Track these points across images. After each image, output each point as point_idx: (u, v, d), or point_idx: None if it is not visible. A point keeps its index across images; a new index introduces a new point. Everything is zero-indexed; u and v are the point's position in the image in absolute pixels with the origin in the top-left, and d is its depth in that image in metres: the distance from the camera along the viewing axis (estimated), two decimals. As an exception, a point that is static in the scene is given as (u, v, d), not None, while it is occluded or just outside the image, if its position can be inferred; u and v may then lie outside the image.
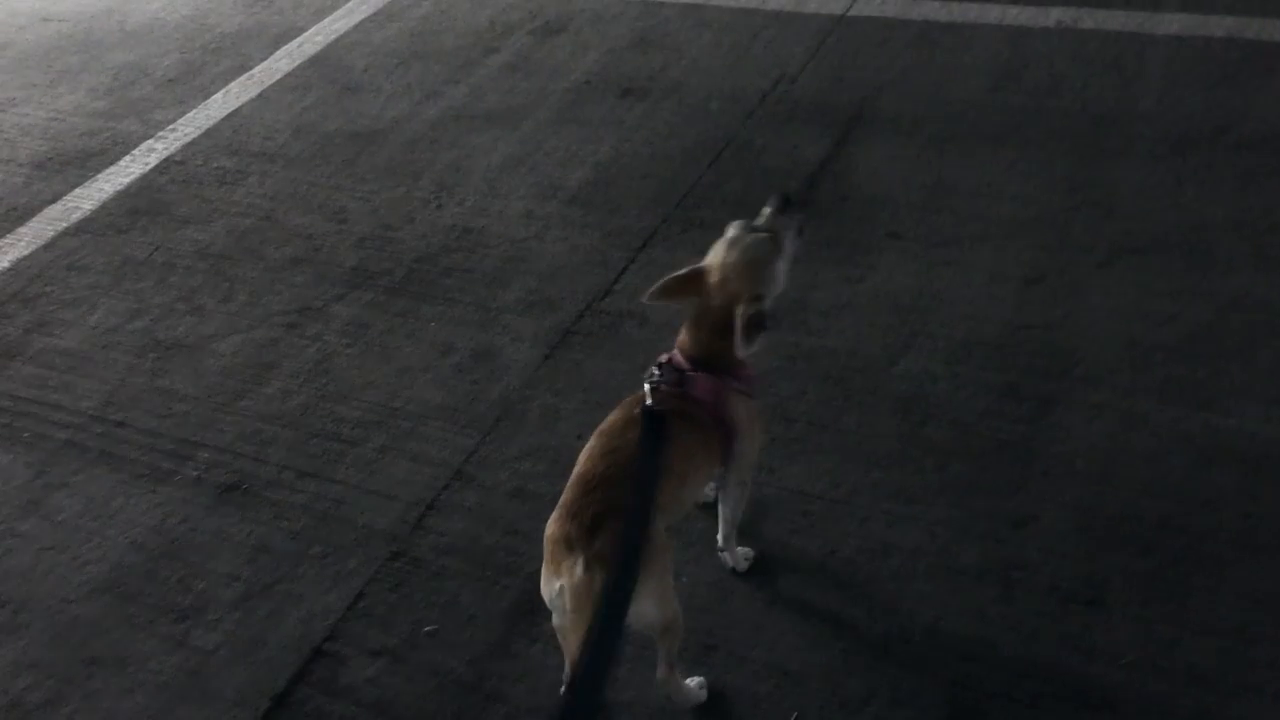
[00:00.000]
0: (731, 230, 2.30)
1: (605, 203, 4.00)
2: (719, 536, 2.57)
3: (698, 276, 2.27)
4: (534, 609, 2.52)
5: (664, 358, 2.31)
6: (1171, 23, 4.72)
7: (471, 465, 2.96)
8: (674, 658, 2.22)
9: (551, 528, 2.05)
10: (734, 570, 2.59)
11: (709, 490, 2.72)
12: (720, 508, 2.53)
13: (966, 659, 2.35)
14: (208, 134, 4.78)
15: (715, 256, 2.26)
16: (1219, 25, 4.66)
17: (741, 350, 2.16)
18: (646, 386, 2.22)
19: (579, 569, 1.94)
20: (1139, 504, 2.64)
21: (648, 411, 2.13)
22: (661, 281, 2.27)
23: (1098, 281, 3.35)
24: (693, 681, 2.32)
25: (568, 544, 1.99)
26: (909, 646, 2.39)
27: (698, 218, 3.84)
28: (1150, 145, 3.94)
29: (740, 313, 2.16)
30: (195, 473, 3.03)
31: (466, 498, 2.86)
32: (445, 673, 2.43)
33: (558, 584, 1.99)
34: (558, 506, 2.08)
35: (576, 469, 2.13)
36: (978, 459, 2.81)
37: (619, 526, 1.94)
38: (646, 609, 2.03)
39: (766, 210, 2.33)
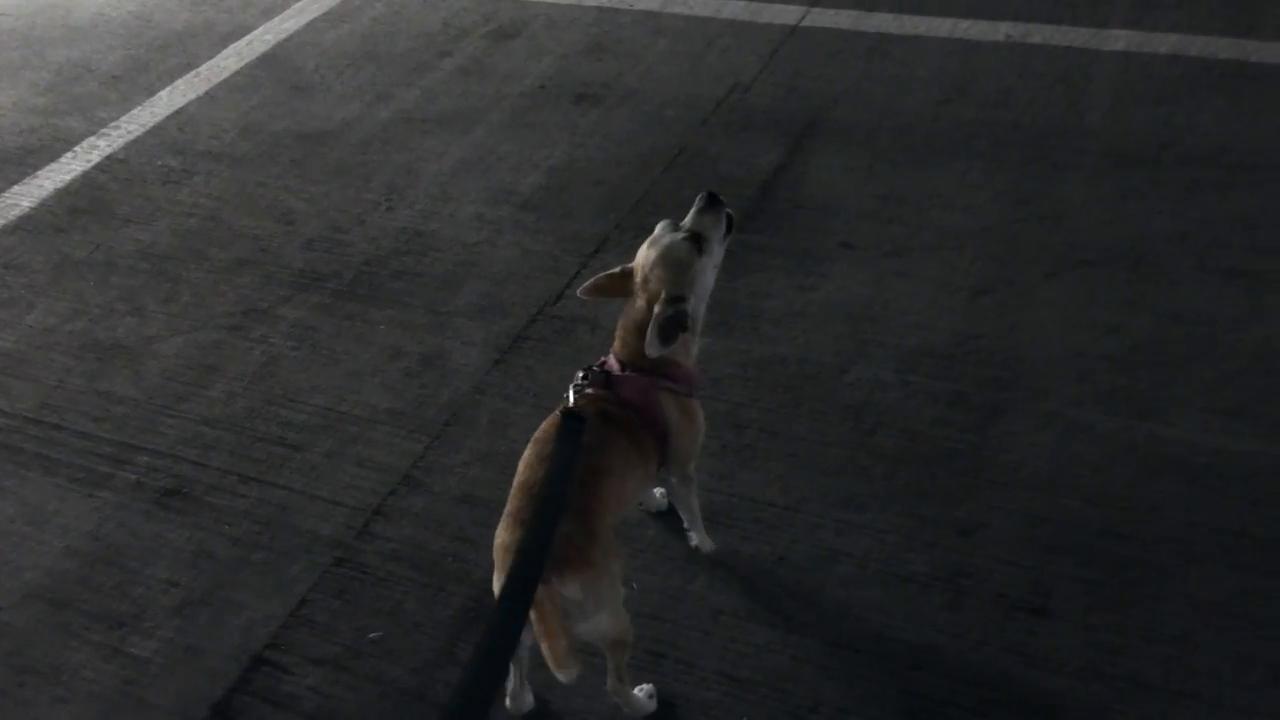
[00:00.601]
0: (657, 229, 2.30)
1: (558, 208, 3.98)
2: (686, 524, 2.61)
3: (627, 276, 2.28)
4: (481, 616, 2.49)
5: (598, 362, 2.31)
6: (1117, 39, 4.80)
7: (419, 470, 2.92)
8: (624, 668, 2.20)
9: (501, 536, 2.04)
10: (698, 548, 2.62)
11: (660, 496, 2.71)
12: (677, 506, 2.56)
13: (913, 666, 2.36)
14: (152, 132, 4.69)
15: (640, 257, 2.27)
16: (1163, 42, 4.74)
17: (652, 350, 2.16)
18: (570, 391, 2.21)
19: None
20: (1084, 513, 2.67)
21: (565, 414, 2.12)
22: (594, 278, 2.31)
23: (1045, 293, 3.39)
24: (642, 691, 2.31)
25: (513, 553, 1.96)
26: (857, 654, 2.39)
27: (651, 224, 3.73)
28: (1096, 159, 4.00)
29: (655, 313, 2.16)
30: (134, 477, 2.96)
31: (414, 503, 2.83)
32: (389, 681, 2.39)
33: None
34: (504, 515, 2.06)
35: (517, 478, 2.11)
36: (926, 467, 2.83)
37: (568, 529, 1.93)
38: (602, 617, 2.01)
39: (692, 210, 2.32)
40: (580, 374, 2.27)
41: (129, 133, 4.69)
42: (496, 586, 2.01)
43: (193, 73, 5.14)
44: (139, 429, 3.11)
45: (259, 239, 3.92)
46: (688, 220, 2.30)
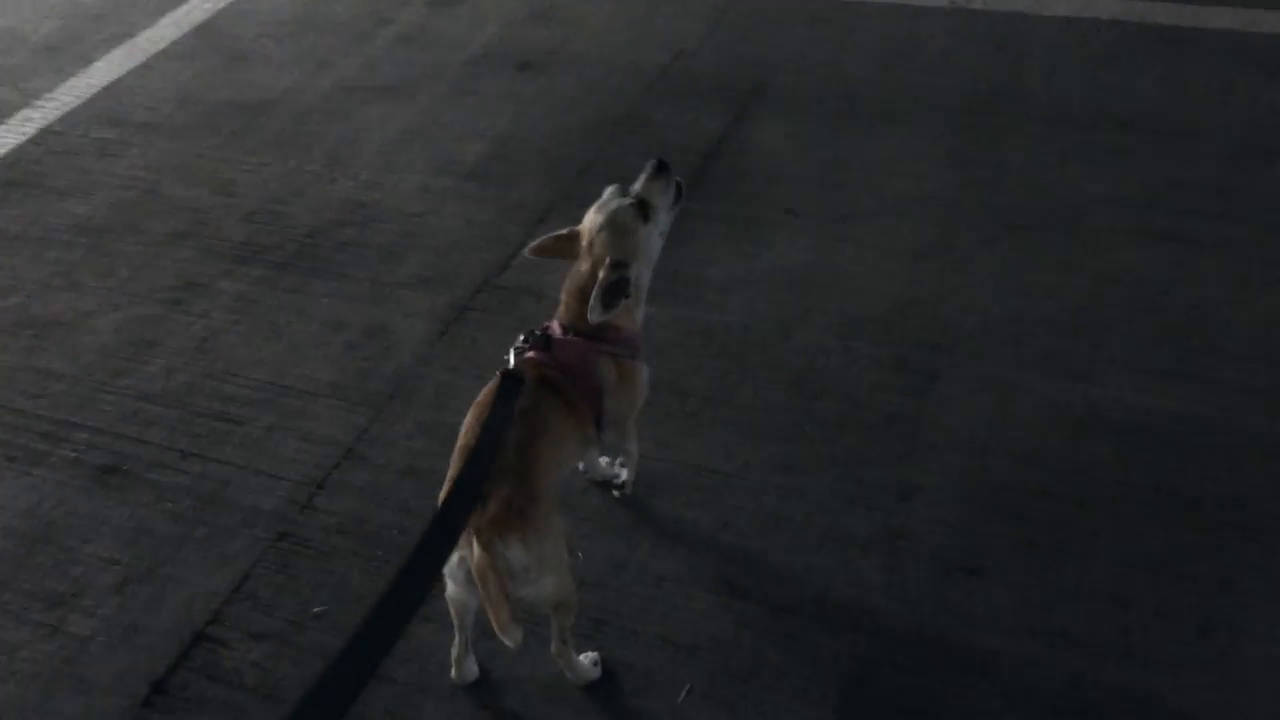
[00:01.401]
0: (605, 194, 2.31)
1: (502, 177, 3.96)
2: (617, 464, 2.70)
3: (574, 238, 2.30)
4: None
5: (543, 326, 2.31)
6: (1059, 5, 4.84)
7: (363, 444, 2.91)
8: (568, 632, 2.22)
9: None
10: (617, 486, 2.68)
11: (605, 465, 2.72)
12: (618, 459, 2.63)
13: (852, 628, 2.39)
14: (88, 103, 4.59)
15: (587, 220, 2.28)
16: (1105, 8, 4.79)
17: (594, 315, 2.17)
18: (511, 353, 2.22)
19: (475, 541, 1.93)
20: (1019, 473, 2.72)
21: (503, 375, 2.12)
22: (542, 239, 2.33)
23: (984, 256, 3.43)
24: (586, 658, 2.32)
25: None
26: (797, 617, 2.42)
27: (596, 192, 3.71)
28: (1034, 125, 4.04)
29: (600, 278, 2.17)
30: (72, 454, 2.92)
31: (357, 476, 2.82)
32: (332, 654, 2.38)
33: (456, 556, 1.97)
34: (446, 480, 2.06)
35: (459, 442, 2.12)
36: (867, 431, 2.86)
37: (506, 494, 1.94)
38: (546, 578, 2.02)
39: (641, 176, 2.33)
40: (521, 337, 2.27)
41: (63, 104, 4.59)
42: (453, 557, 1.99)
43: (129, 43, 5.04)
44: (76, 406, 3.07)
45: (198, 211, 3.87)
46: (636, 187, 2.31)
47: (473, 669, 2.33)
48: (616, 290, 2.18)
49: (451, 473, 2.06)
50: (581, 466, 2.72)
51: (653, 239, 2.31)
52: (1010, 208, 3.62)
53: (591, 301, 2.17)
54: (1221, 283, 3.25)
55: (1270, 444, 2.75)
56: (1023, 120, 4.08)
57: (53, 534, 2.71)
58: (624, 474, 2.68)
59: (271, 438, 2.94)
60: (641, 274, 2.30)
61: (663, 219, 2.34)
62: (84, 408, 3.06)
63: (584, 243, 2.27)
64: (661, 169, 2.33)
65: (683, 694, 2.29)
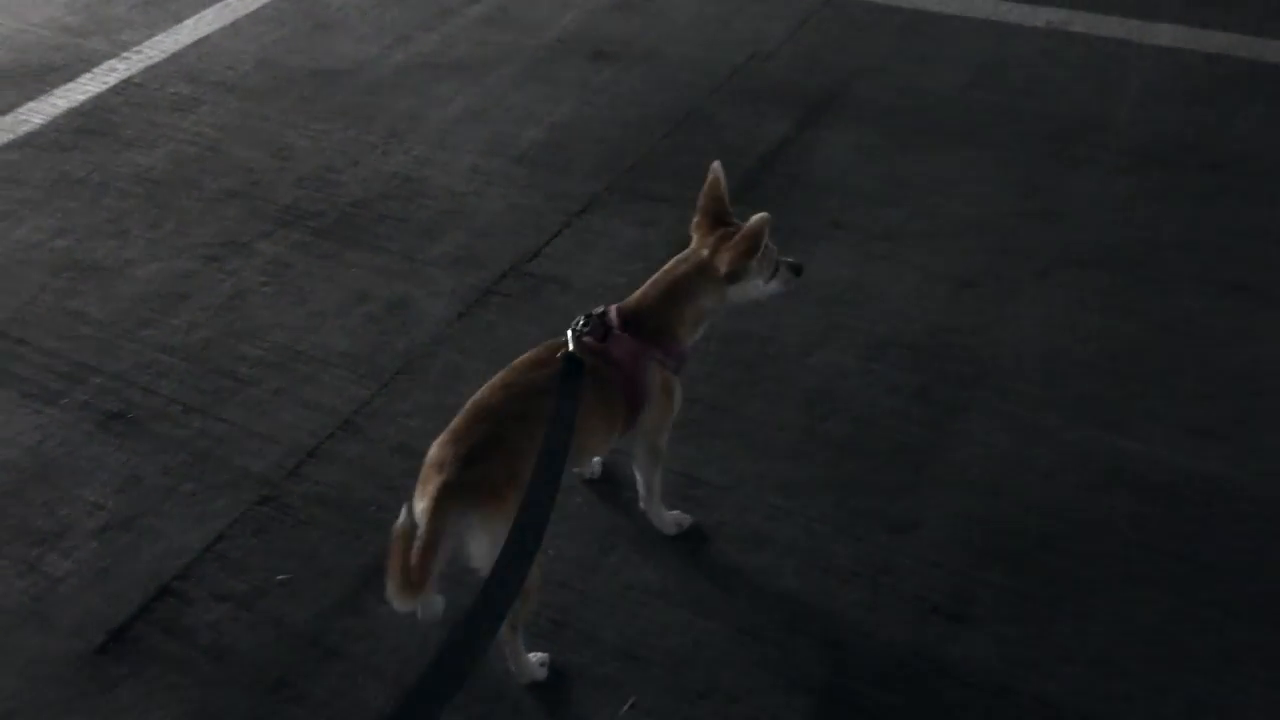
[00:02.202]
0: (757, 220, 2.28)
1: (552, 164, 3.91)
2: (640, 499, 2.53)
3: (724, 221, 2.30)
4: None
5: (599, 309, 2.26)
6: (1164, 34, 4.58)
7: (361, 416, 2.90)
8: (521, 620, 2.16)
9: (433, 450, 2.04)
10: (662, 532, 2.55)
11: (596, 464, 2.66)
12: (636, 473, 2.49)
13: (817, 661, 2.28)
14: (172, 59, 4.70)
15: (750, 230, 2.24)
16: (1211, 41, 4.52)
17: (725, 265, 2.20)
18: (570, 333, 2.17)
19: (433, 493, 1.93)
20: (1025, 520, 2.56)
21: (567, 357, 2.09)
22: (721, 191, 2.32)
23: (1032, 290, 3.26)
24: (535, 657, 2.27)
25: (439, 467, 1.98)
26: (761, 643, 2.32)
27: (642, 188, 3.76)
28: (1115, 157, 3.83)
29: (739, 238, 2.21)
30: (84, 397, 2.98)
31: (349, 448, 2.81)
32: (288, 624, 2.38)
33: (420, 505, 1.97)
34: (447, 429, 2.05)
35: (475, 395, 2.10)
36: (872, 459, 2.73)
37: (488, 466, 1.95)
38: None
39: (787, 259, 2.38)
40: (581, 319, 2.23)
41: (149, 58, 4.71)
42: (416, 501, 1.98)
43: (222, 3, 5.14)
44: (98, 350, 3.13)
45: (253, 172, 3.92)
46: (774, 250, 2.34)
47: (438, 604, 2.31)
48: (749, 253, 2.20)
49: (454, 422, 2.05)
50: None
51: (757, 286, 2.31)
52: (1070, 242, 3.43)
53: (733, 254, 2.20)
54: (1285, 342, 3.03)
55: (1306, 520, 2.54)
56: (1102, 151, 3.86)
57: (50, 473, 2.77)
58: (655, 522, 2.55)
59: (275, 401, 2.96)
60: (733, 298, 2.30)
61: (771, 288, 2.35)
62: (104, 353, 3.12)
63: (719, 233, 2.26)
64: (798, 273, 2.41)
65: (625, 706, 2.21)
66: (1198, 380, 2.93)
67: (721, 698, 2.22)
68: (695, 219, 2.32)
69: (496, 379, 2.14)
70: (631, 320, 2.23)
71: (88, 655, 2.33)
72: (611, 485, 2.67)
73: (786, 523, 2.58)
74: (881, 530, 2.55)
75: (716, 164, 2.32)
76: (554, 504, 1.81)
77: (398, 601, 1.87)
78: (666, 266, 2.30)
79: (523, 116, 4.20)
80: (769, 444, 2.79)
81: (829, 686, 2.24)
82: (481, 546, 1.98)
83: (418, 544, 1.89)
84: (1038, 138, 3.98)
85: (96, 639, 2.36)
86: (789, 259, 2.37)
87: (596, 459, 2.66)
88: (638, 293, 2.29)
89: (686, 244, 2.35)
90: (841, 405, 2.89)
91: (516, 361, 2.18)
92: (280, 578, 2.48)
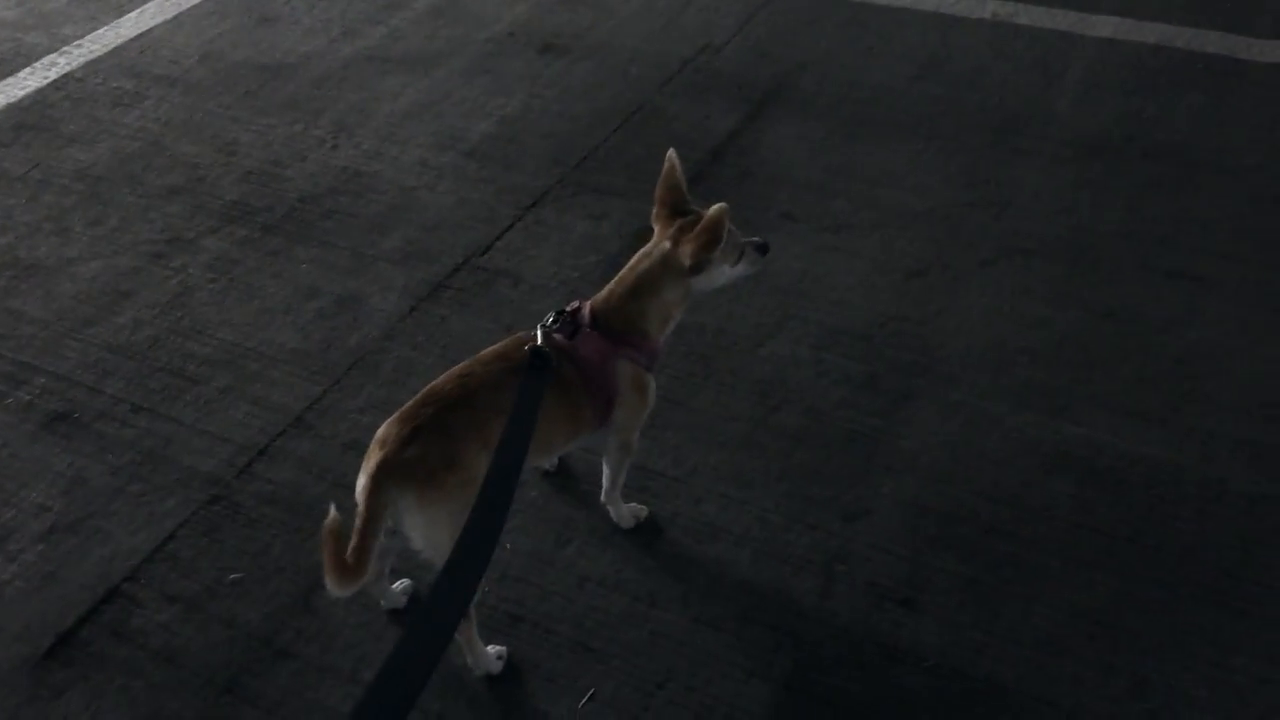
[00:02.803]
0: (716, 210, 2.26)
1: (503, 158, 3.90)
2: (602, 490, 2.52)
3: (682, 213, 2.28)
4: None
5: (572, 305, 2.27)
6: (1104, 25, 4.66)
7: (313, 414, 2.88)
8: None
9: (381, 428, 2.05)
10: (618, 525, 2.55)
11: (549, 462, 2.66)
12: (604, 464, 2.48)
13: (771, 649, 2.30)
14: (114, 53, 4.62)
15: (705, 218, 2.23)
16: (1152, 31, 4.61)
17: (688, 257, 2.19)
18: (539, 329, 2.17)
19: (371, 470, 1.96)
20: (974, 506, 2.60)
21: (534, 351, 2.09)
22: (678, 179, 2.31)
23: (978, 280, 3.30)
24: (492, 649, 2.26)
25: (381, 445, 1.99)
26: (717, 632, 2.34)
27: (592, 181, 3.76)
28: (1057, 147, 3.89)
29: (700, 226, 2.19)
30: (27, 398, 2.93)
31: (300, 446, 2.78)
32: (240, 624, 2.36)
33: (360, 481, 1.99)
34: (399, 410, 2.05)
35: (434, 383, 2.11)
36: (824, 448, 2.76)
37: (428, 447, 1.96)
38: (440, 539, 1.99)
39: (752, 239, 2.37)
40: (551, 315, 2.23)
41: (90, 52, 4.63)
42: (360, 479, 2.00)
43: (164, -4, 5.06)
44: (41, 350, 3.08)
45: (197, 167, 3.87)
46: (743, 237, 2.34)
47: (393, 595, 2.34)
48: (711, 244, 2.18)
49: (407, 405, 2.05)
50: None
51: (725, 272, 2.31)
52: (1014, 231, 3.49)
53: (695, 233, 2.19)
54: (1223, 328, 3.09)
55: (1245, 503, 2.60)
56: (1044, 142, 3.92)
57: (-8, 475, 2.72)
58: (613, 514, 2.55)
59: (224, 399, 2.92)
60: (710, 277, 2.29)
61: (738, 271, 2.35)
62: (48, 353, 3.07)
63: (677, 224, 2.25)
64: (764, 250, 2.39)
65: (585, 699, 2.22)
66: (1139, 366, 2.99)
67: (679, 687, 2.23)
68: (655, 210, 2.32)
69: (456, 368, 2.14)
70: (601, 318, 2.23)
71: (35, 660, 2.30)
72: (567, 478, 2.67)
73: (740, 512, 2.60)
74: (834, 518, 2.58)
75: (671, 152, 2.33)
76: (513, 496, 1.81)
77: (337, 587, 1.88)
78: (631, 262, 2.29)
79: (472, 110, 4.18)
80: (722, 435, 2.81)
81: (785, 674, 2.26)
82: (417, 527, 2.01)
83: (357, 522, 1.89)
84: (983, 129, 4.03)
85: (44, 644, 2.32)
86: (754, 239, 2.37)
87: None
88: (606, 289, 2.28)
89: (640, 237, 2.36)
90: (793, 395, 2.91)
91: (482, 353, 2.18)
92: (232, 577, 2.46)
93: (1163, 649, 2.29)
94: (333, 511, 1.91)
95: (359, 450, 2.70)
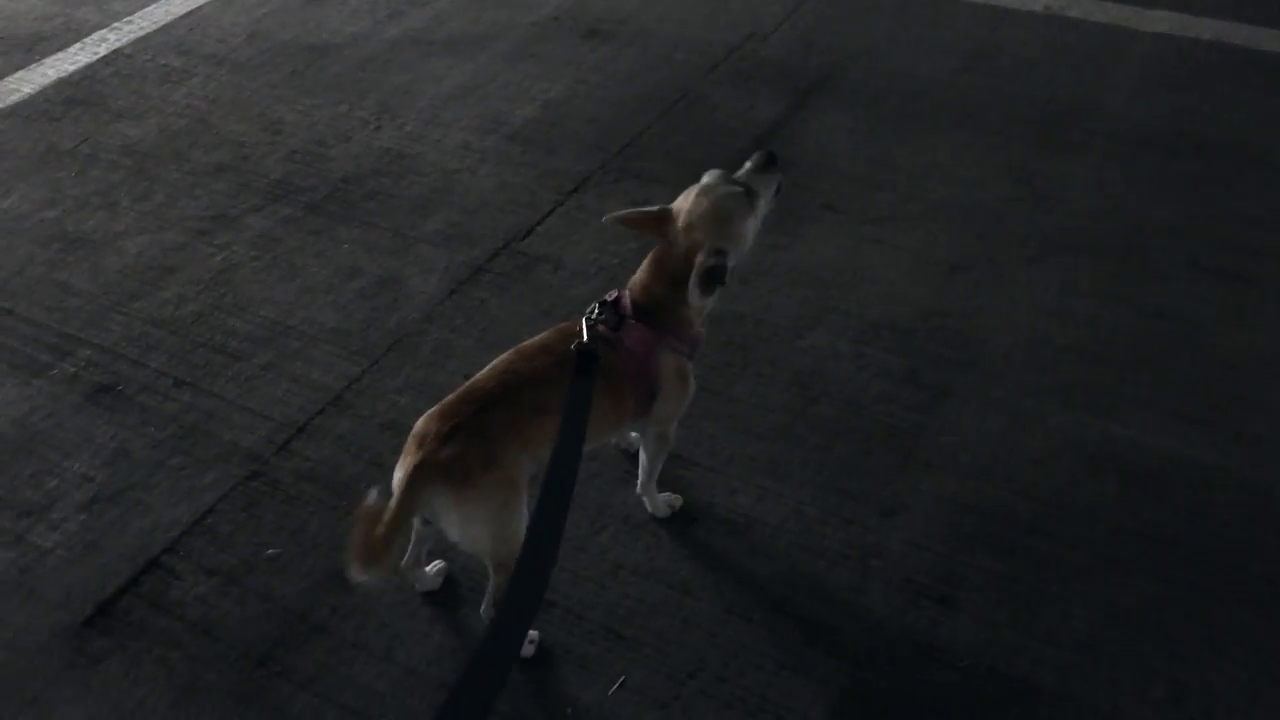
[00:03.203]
0: (707, 178, 2.20)
1: (545, 143, 3.89)
2: (638, 481, 2.50)
3: (665, 218, 2.19)
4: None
5: (611, 295, 2.24)
6: (1159, 20, 4.58)
7: (351, 393, 2.89)
8: (501, 594, 2.16)
9: (419, 422, 2.04)
10: (653, 515, 2.54)
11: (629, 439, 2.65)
12: (640, 454, 2.47)
13: (805, 644, 2.29)
14: (163, 30, 4.66)
15: (685, 202, 2.18)
16: (1207, 28, 4.52)
17: (695, 299, 2.11)
18: (584, 323, 2.15)
19: (408, 467, 1.95)
20: (1014, 505, 2.57)
21: (582, 352, 2.06)
22: (630, 210, 2.23)
23: (1024, 275, 3.26)
24: (524, 634, 2.27)
25: (420, 442, 1.99)
26: (750, 623, 2.33)
27: (635, 168, 3.74)
28: (1107, 142, 3.83)
29: (699, 261, 2.09)
30: (73, 369, 2.96)
31: (339, 424, 2.80)
32: (276, 599, 2.38)
33: (397, 475, 2.00)
34: (438, 405, 2.05)
35: (475, 376, 2.10)
36: (862, 442, 2.74)
37: (465, 446, 1.95)
38: (478, 535, 2.01)
39: (748, 165, 2.24)
40: (595, 307, 2.21)
41: (139, 29, 4.67)
42: (396, 473, 2.00)
43: (213, -26, 5.09)
44: (86, 323, 3.11)
45: (243, 146, 3.89)
46: (742, 175, 2.22)
47: (426, 579, 2.36)
48: (715, 276, 2.10)
49: (446, 400, 2.05)
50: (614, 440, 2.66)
51: (751, 231, 2.21)
52: (1062, 227, 3.44)
53: (691, 284, 2.10)
54: (1274, 330, 3.03)
55: (1292, 507, 2.55)
56: (1094, 137, 3.86)
57: (37, 445, 2.75)
58: (649, 505, 2.54)
59: (264, 376, 2.94)
60: (736, 266, 2.21)
61: (762, 213, 2.24)
62: (93, 325, 3.10)
63: (679, 225, 2.16)
64: (770, 162, 2.24)
65: (615, 686, 2.22)
66: (1187, 366, 2.94)
67: (710, 678, 2.22)
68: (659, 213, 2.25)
69: (499, 362, 2.12)
70: (642, 308, 2.20)
71: (74, 628, 2.32)
72: (602, 465, 2.66)
73: (775, 504, 2.58)
74: (871, 513, 2.56)
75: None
76: (570, 500, 1.78)
77: (356, 571, 1.89)
78: (657, 253, 2.24)
79: (515, 94, 4.18)
80: (759, 425, 2.79)
81: (816, 668, 2.24)
82: (453, 524, 2.01)
83: (386, 514, 1.90)
84: (1032, 122, 3.97)
85: (84, 612, 2.35)
86: (757, 174, 2.21)
87: (634, 434, 2.62)
88: (640, 278, 2.24)
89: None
90: (832, 388, 2.89)
91: (524, 345, 2.16)
92: (269, 553, 2.48)
93: (1203, 655, 2.25)
94: (371, 495, 1.92)
95: (396, 430, 2.74)
